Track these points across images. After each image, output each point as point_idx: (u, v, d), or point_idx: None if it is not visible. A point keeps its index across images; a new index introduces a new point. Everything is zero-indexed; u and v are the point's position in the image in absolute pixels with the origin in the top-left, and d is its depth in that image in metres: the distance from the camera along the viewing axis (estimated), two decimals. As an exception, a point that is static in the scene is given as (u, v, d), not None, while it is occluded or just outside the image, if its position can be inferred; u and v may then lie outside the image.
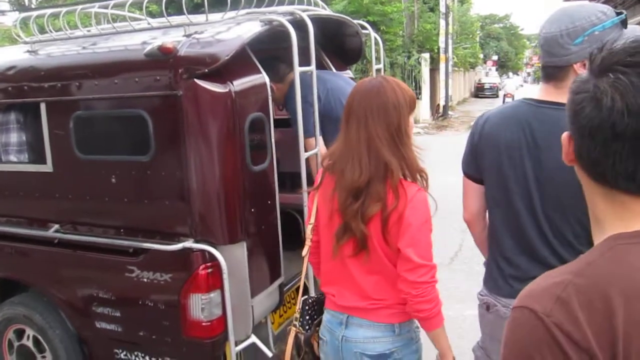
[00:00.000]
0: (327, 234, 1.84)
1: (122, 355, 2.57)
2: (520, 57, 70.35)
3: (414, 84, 19.20)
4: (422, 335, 1.84)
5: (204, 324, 2.29)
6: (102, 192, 2.50)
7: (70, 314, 2.70)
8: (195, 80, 2.18)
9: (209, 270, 2.26)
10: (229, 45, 2.27)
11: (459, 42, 30.65)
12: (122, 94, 2.36)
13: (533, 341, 0.76)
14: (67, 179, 2.62)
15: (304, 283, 2.10)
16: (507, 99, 25.75)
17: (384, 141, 1.70)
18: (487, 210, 1.90)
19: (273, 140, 2.46)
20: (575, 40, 1.59)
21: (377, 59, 3.53)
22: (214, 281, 2.27)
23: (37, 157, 2.74)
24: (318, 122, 2.78)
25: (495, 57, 54.87)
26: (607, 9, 1.64)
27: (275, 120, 2.54)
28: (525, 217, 1.71)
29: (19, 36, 2.88)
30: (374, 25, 14.37)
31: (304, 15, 2.56)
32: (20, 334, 2.89)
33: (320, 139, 2.83)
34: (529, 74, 77.27)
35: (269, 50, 2.82)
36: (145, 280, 2.37)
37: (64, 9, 2.77)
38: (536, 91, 1.80)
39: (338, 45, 3.54)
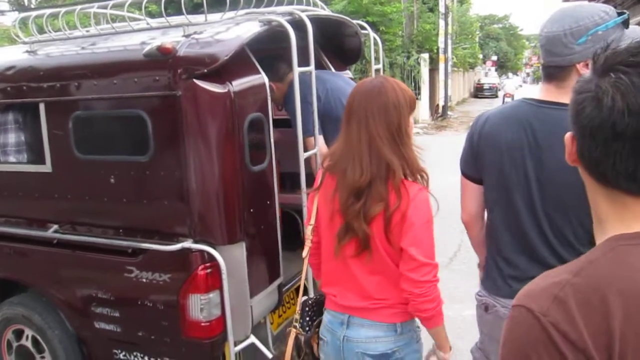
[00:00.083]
0: (328, 235, 1.84)
1: (121, 356, 2.57)
2: (519, 57, 70.43)
3: (413, 84, 19.21)
4: (423, 333, 1.85)
5: (203, 324, 2.29)
6: (101, 192, 2.50)
7: (69, 314, 2.70)
8: (195, 80, 2.18)
9: (208, 270, 2.26)
10: (228, 46, 2.27)
11: (458, 42, 30.67)
12: (121, 94, 2.36)
13: (530, 340, 0.76)
14: (66, 179, 2.61)
15: (304, 284, 2.10)
16: (506, 99, 25.77)
17: (385, 141, 1.71)
18: (485, 211, 1.90)
19: (272, 140, 2.46)
20: (579, 39, 1.58)
21: (377, 59, 3.53)
22: (213, 281, 2.27)
23: (36, 157, 2.74)
24: (317, 122, 2.78)
25: (494, 58, 54.92)
26: (609, 8, 1.64)
27: (275, 120, 2.55)
28: (526, 216, 1.71)
29: (18, 36, 2.88)
30: (374, 26, 14.38)
31: (303, 16, 2.56)
32: (19, 334, 2.89)
33: (320, 139, 2.83)
34: (528, 74, 77.31)
35: (269, 50, 2.82)
36: (144, 280, 2.37)
37: (63, 9, 2.78)
38: (536, 91, 1.79)
39: (337, 45, 3.54)
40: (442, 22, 22.01)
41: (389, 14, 16.58)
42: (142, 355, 2.52)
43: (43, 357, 2.81)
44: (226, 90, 2.21)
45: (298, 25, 2.52)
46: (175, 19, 2.55)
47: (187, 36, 2.31)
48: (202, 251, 2.26)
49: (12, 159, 2.82)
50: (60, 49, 2.71)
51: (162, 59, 2.19)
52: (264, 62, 2.49)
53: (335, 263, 1.83)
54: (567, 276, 0.78)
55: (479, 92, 38.41)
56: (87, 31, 2.79)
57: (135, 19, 2.95)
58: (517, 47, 66.01)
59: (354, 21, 3.40)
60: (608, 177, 0.81)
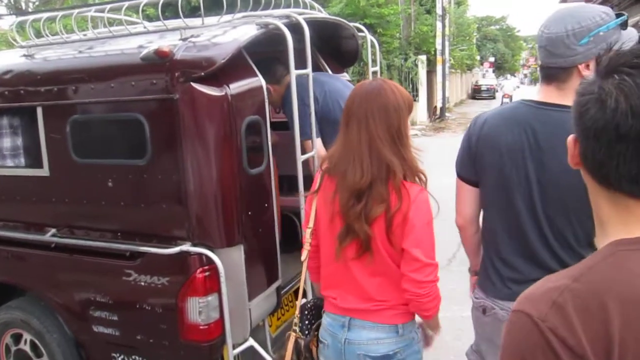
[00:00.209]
0: (328, 237, 1.84)
1: (119, 359, 2.57)
2: (517, 58, 70.45)
3: (411, 86, 19.22)
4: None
5: (201, 327, 2.28)
6: (98, 196, 2.50)
7: (67, 318, 2.69)
8: (192, 83, 2.18)
9: (206, 273, 2.26)
10: (225, 49, 2.27)
11: (455, 44, 30.68)
12: (119, 97, 2.36)
13: (528, 346, 0.76)
14: (63, 183, 2.61)
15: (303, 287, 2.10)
16: (504, 100, 25.79)
17: (385, 142, 1.71)
18: (481, 214, 1.89)
19: (270, 142, 2.46)
20: (581, 40, 1.57)
21: (374, 61, 3.54)
22: (212, 284, 2.26)
23: (34, 161, 2.73)
24: (315, 124, 2.78)
25: (492, 59, 54.97)
26: (608, 9, 1.64)
27: (273, 123, 2.55)
28: (526, 218, 1.70)
29: (15, 40, 2.88)
30: (371, 28, 14.39)
31: (300, 19, 2.57)
32: (17, 338, 2.88)
33: (318, 141, 2.83)
34: (525, 75, 77.43)
35: (266, 53, 2.82)
36: (142, 283, 2.37)
37: (61, 13, 2.78)
38: (535, 93, 1.79)
39: (334, 47, 3.55)
40: (439, 24, 22.02)
41: (387, 16, 16.62)
42: (140, 359, 2.52)
43: (41, 361, 2.81)
44: (223, 93, 2.22)
45: (295, 28, 2.53)
46: (172, 23, 2.55)
47: (184, 39, 2.31)
48: (200, 254, 2.26)
49: (9, 162, 2.82)
50: (57, 53, 2.71)
51: (160, 62, 2.19)
52: (261, 65, 2.49)
53: (336, 266, 1.83)
54: (567, 281, 0.78)
55: (476, 93, 38.41)
56: (85, 35, 2.79)
57: (132, 23, 2.96)
58: (514, 48, 66.06)
59: (352, 23, 3.40)
60: (611, 179, 0.81)
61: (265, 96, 2.42)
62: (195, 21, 2.52)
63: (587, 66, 1.59)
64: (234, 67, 2.30)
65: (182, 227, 2.31)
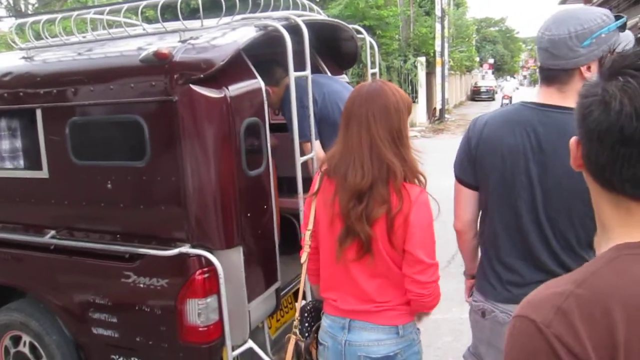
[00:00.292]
0: (328, 239, 1.84)
1: (118, 361, 2.57)
2: (516, 60, 70.51)
3: (410, 87, 19.23)
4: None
5: (200, 329, 2.28)
6: (98, 197, 2.50)
7: (66, 320, 2.69)
8: (191, 85, 2.18)
9: (206, 275, 2.26)
10: (224, 51, 2.27)
11: (455, 45, 30.71)
12: (118, 99, 2.37)
13: (532, 352, 0.75)
14: (63, 184, 2.61)
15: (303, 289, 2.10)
16: (504, 101, 25.80)
17: (386, 143, 1.72)
18: (478, 219, 1.88)
19: (269, 144, 2.46)
20: (584, 42, 1.57)
21: (373, 63, 3.54)
22: (211, 286, 2.26)
23: (33, 163, 2.74)
24: (314, 126, 2.78)
25: (491, 61, 55.00)
26: (607, 12, 1.64)
27: (272, 125, 2.55)
28: (528, 220, 1.69)
29: (14, 42, 2.88)
30: (370, 30, 14.43)
31: (299, 20, 2.57)
32: (16, 340, 2.88)
33: (317, 143, 2.83)
34: (524, 76, 77.50)
35: (265, 54, 2.83)
36: (141, 285, 2.37)
37: (60, 15, 2.78)
38: (535, 94, 1.78)
39: (333, 49, 3.55)
40: (438, 26, 22.04)
41: (386, 17, 16.65)
42: (139, 361, 2.52)
43: (40, 364, 2.80)
44: (222, 95, 2.22)
45: (294, 29, 2.53)
46: (171, 25, 2.55)
47: (183, 41, 2.32)
48: (199, 256, 2.26)
49: (9, 164, 2.82)
50: (57, 55, 2.71)
51: (159, 64, 2.20)
52: (260, 67, 2.50)
53: (336, 267, 1.83)
54: (570, 287, 0.77)
55: (476, 95, 38.45)
56: (84, 37, 2.79)
57: (131, 25, 2.96)
58: (513, 49, 66.11)
59: (351, 25, 3.41)
60: (614, 182, 0.80)
61: (264, 98, 2.42)
62: (195, 23, 2.52)
63: (589, 68, 1.59)
64: (233, 69, 2.30)
65: (181, 228, 2.31)
